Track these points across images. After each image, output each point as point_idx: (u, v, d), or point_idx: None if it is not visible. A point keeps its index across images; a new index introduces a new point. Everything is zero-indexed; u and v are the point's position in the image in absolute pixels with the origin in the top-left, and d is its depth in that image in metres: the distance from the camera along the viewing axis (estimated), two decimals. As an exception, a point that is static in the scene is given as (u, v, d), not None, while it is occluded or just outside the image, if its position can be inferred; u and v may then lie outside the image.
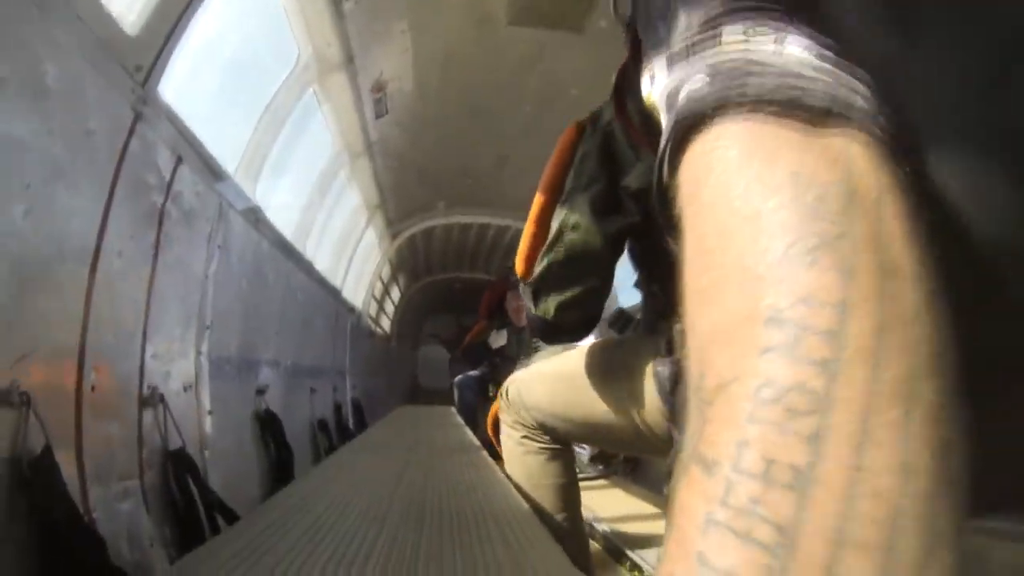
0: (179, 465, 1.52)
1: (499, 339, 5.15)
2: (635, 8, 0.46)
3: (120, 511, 1.29)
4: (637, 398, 0.89)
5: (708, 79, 0.27)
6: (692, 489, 0.20)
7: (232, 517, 1.63)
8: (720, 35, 0.28)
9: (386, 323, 6.53)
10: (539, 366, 1.24)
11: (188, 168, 1.68)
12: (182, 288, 1.70)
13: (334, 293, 3.92)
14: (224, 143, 1.98)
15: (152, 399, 1.47)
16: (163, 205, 1.57)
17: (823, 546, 0.17)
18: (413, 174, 4.45)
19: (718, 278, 0.23)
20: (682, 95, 0.28)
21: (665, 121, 0.30)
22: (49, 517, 1.06)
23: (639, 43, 0.41)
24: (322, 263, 3.52)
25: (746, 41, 0.28)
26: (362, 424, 4.11)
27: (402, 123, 3.46)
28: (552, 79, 3.00)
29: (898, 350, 0.19)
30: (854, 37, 0.28)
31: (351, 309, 4.46)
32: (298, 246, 2.95)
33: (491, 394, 5.33)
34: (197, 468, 1.60)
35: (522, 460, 1.22)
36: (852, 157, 0.23)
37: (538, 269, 0.90)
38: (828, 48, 0.27)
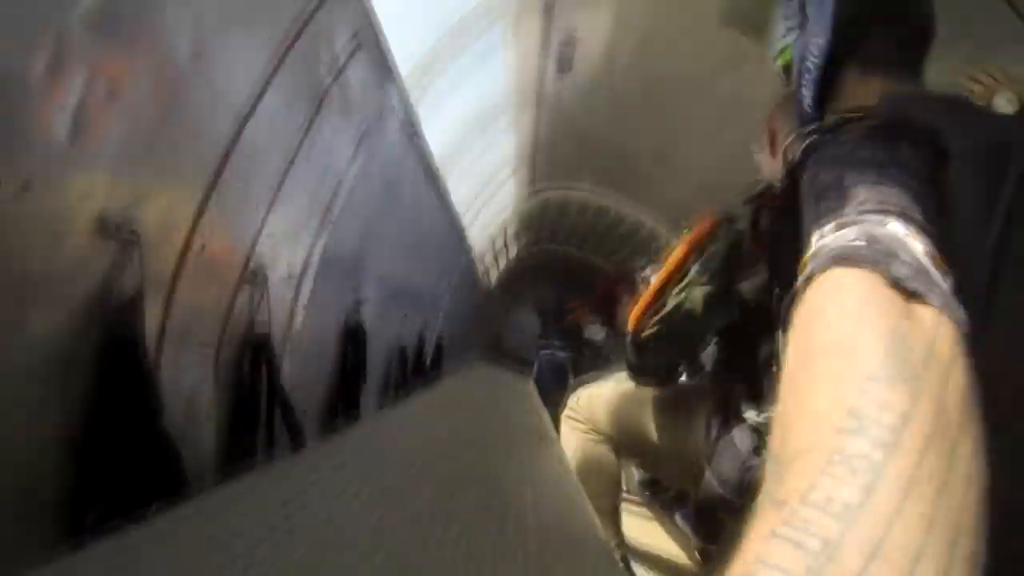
0: (258, 351, 1.47)
1: (596, 333, 4.89)
2: (805, 162, 0.55)
3: (187, 377, 1.25)
4: (687, 434, 1.09)
5: (865, 243, 0.37)
6: (762, 518, 0.26)
7: (291, 422, 1.58)
8: (888, 222, 0.39)
9: (493, 275, 6.48)
10: (611, 383, 1.42)
11: (364, 57, 1.58)
12: (319, 176, 1.63)
13: (458, 230, 3.85)
14: (401, 46, 1.87)
15: (254, 278, 1.41)
16: (329, 87, 1.48)
17: (858, 558, 0.23)
18: (572, 141, 4.21)
19: (815, 377, 0.31)
20: (841, 244, 0.38)
21: (815, 261, 0.39)
22: (119, 362, 1.02)
23: (794, 187, 0.56)
24: (457, 197, 3.43)
25: (906, 231, 0.38)
26: (438, 365, 4.09)
27: (580, 87, 3.20)
28: (743, 93, 2.60)
29: (938, 453, 0.27)
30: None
31: (468, 251, 4.40)
32: (441, 173, 2.85)
33: (570, 382, 5.15)
34: (274, 359, 1.55)
35: (578, 442, 1.43)
36: (937, 332, 0.32)
37: (648, 330, 1.08)
38: (937, 251, 0.37)
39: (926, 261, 0.36)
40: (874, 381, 0.29)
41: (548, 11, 2.42)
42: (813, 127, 0.64)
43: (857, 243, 0.37)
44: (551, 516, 1.17)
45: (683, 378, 1.43)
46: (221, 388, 1.39)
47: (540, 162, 4.49)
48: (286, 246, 1.57)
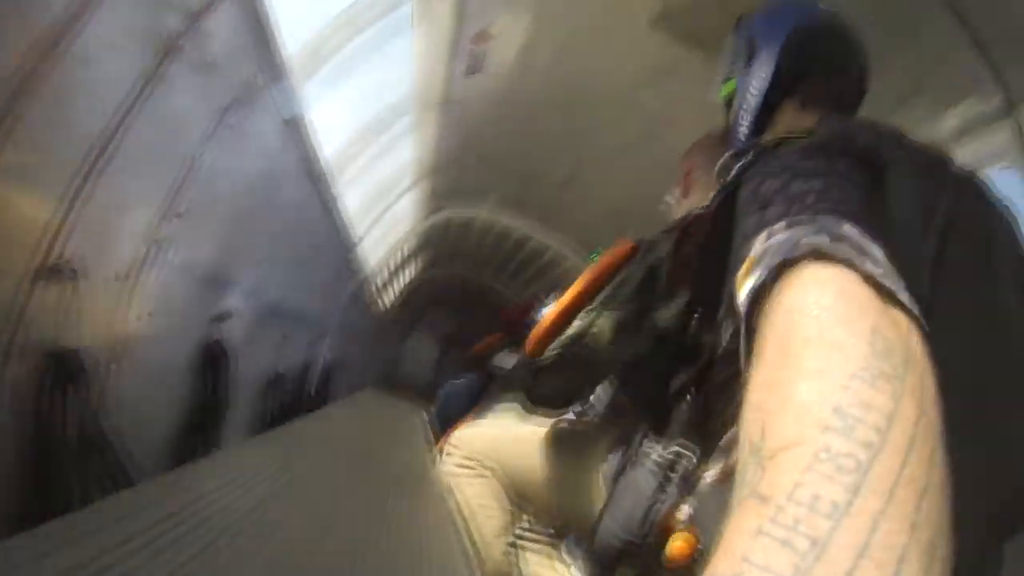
0: (59, 370, 1.09)
1: (507, 360, 4.69)
2: (743, 176, 0.57)
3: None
4: (581, 474, 1.03)
5: (830, 239, 0.37)
6: (746, 513, 0.27)
7: (108, 458, 1.19)
8: (842, 224, 0.39)
9: (388, 297, 6.11)
10: (493, 422, 1.44)
11: (231, 10, 1.29)
12: (163, 147, 1.29)
13: (347, 243, 3.51)
14: (284, 23, 1.59)
15: (55, 273, 1.04)
16: (179, 34, 1.17)
17: (846, 558, 0.24)
18: (477, 155, 4.08)
19: (798, 372, 0.31)
20: (803, 242, 0.38)
21: (768, 261, 0.38)
22: None
23: (727, 204, 0.56)
24: (347, 205, 3.11)
25: (861, 235, 0.39)
26: (325, 394, 3.66)
27: (488, 93, 3.08)
28: (664, 109, 2.59)
29: (919, 455, 0.28)
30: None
31: (359, 268, 4.05)
32: (329, 175, 2.54)
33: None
34: (86, 379, 1.16)
35: (463, 481, 1.29)
36: (910, 333, 0.33)
37: (548, 353, 1.01)
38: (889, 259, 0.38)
39: (887, 263, 0.38)
40: (858, 379, 0.30)
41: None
42: (753, 144, 0.68)
43: (821, 239, 0.38)
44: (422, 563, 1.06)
45: (580, 408, 1.27)
46: (6, 414, 1.00)
47: (443, 176, 4.30)
48: (110, 236, 1.21)
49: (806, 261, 0.37)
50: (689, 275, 0.86)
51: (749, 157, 0.65)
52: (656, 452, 0.99)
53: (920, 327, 0.34)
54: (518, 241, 5.48)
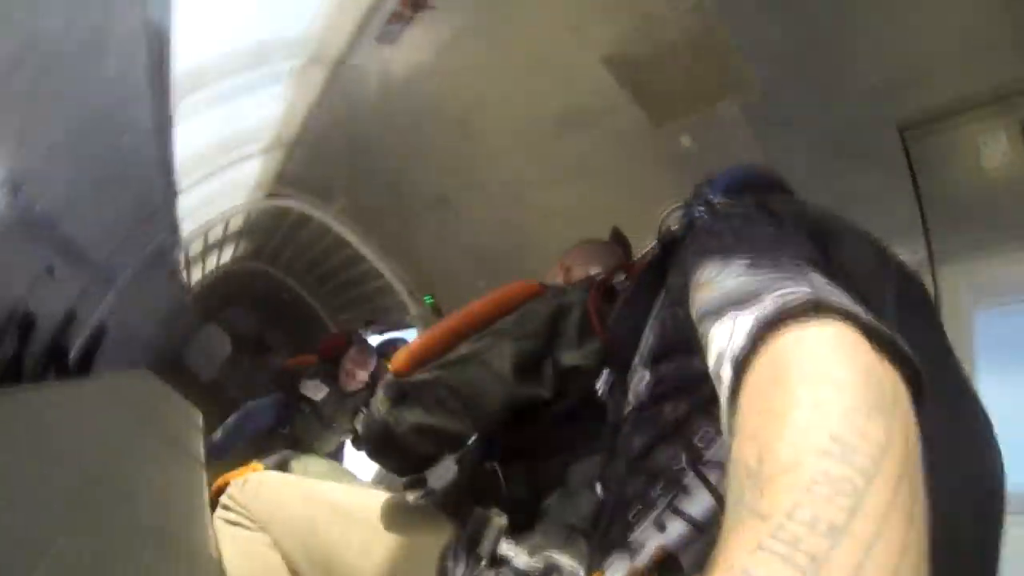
0: None
1: (316, 391, 4.22)
2: (689, 231, 0.66)
3: None
4: (410, 569, 0.82)
5: (810, 291, 0.41)
6: (745, 529, 0.30)
7: None
8: (809, 277, 0.44)
9: (195, 275, 5.23)
10: (311, 481, 1.14)
11: None
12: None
13: (167, 187, 2.92)
14: None
15: None
16: None
17: (845, 574, 0.26)
18: (347, 141, 3.76)
19: (795, 402, 0.34)
20: (780, 297, 0.41)
21: (752, 313, 0.42)
22: None
23: (662, 262, 0.69)
24: (185, 142, 2.60)
25: (829, 284, 0.44)
26: (88, 363, 2.87)
27: (390, 74, 2.82)
28: (571, 160, 2.62)
29: (908, 485, 0.30)
30: None
31: (171, 225, 3.39)
32: (175, 88, 2.09)
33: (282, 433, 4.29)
34: None
35: (235, 539, 1.02)
36: (896, 373, 0.37)
37: (420, 375, 0.85)
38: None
39: (851, 304, 0.41)
40: (854, 411, 0.32)
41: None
42: (698, 203, 0.72)
43: (800, 292, 0.41)
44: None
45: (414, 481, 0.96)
46: None
47: (298, 154, 3.87)
48: None
49: (804, 306, 0.39)
50: (601, 326, 0.83)
51: (698, 213, 0.70)
52: (516, 557, 0.80)
53: (910, 367, 0.37)
54: (351, 258, 5.03)
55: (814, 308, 0.39)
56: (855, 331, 0.38)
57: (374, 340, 5.22)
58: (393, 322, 5.02)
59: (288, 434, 4.20)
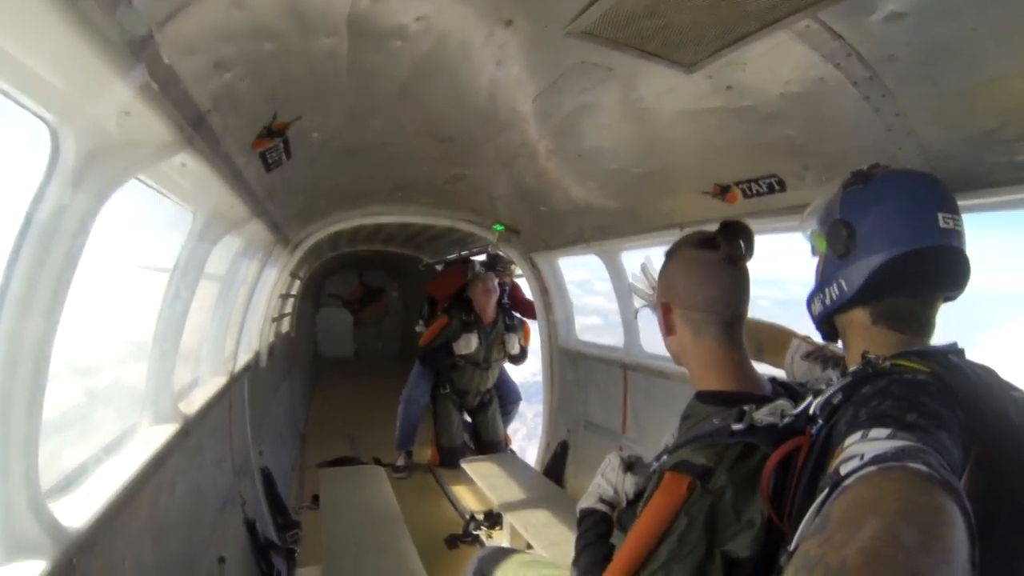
0: None
1: (468, 345, 4.38)
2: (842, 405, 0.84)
3: None
4: None
5: (894, 447, 0.62)
6: None
7: None
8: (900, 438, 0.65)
9: (285, 324, 5.43)
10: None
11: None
12: None
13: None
14: None
15: None
16: None
17: None
18: (324, 198, 3.31)
19: (870, 523, 0.50)
20: (876, 453, 0.61)
21: (855, 464, 0.62)
22: None
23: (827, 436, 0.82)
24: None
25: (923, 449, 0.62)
26: (276, 500, 3.32)
27: (309, 159, 2.35)
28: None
29: None
30: None
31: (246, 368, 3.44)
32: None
33: (444, 394, 4.70)
34: None
35: None
36: (956, 512, 0.52)
37: None
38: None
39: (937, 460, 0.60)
40: (917, 546, 0.48)
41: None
42: (852, 375, 0.87)
43: (888, 449, 0.62)
44: None
45: None
46: None
47: (291, 229, 3.49)
48: None
49: (890, 458, 0.59)
50: (752, 495, 0.88)
51: (838, 395, 0.85)
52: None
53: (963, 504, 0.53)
54: (396, 226, 4.76)
55: (898, 462, 0.60)
56: (928, 478, 0.56)
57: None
58: (481, 250, 5.05)
59: (449, 392, 4.70)
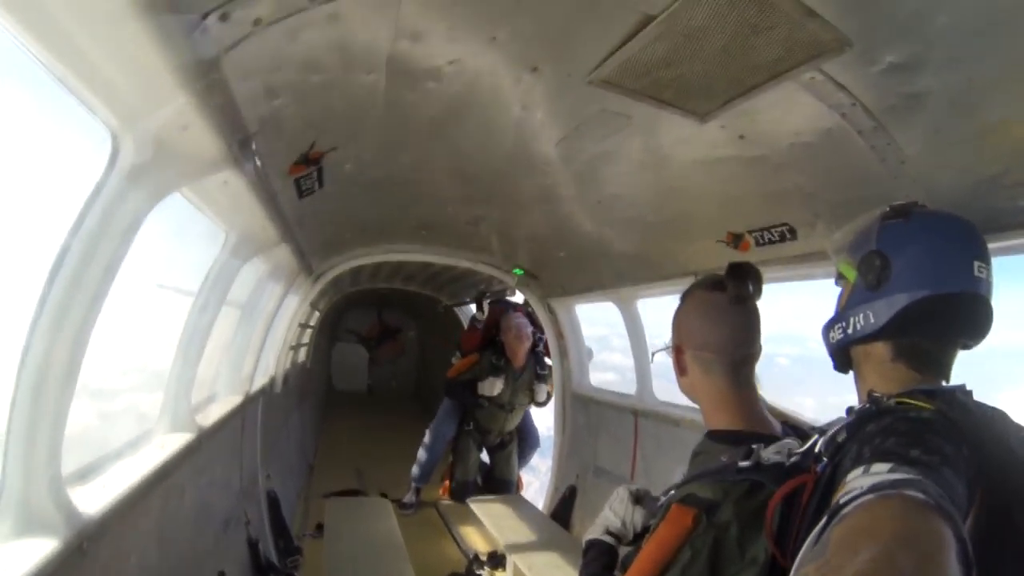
0: None
1: (493, 387, 4.38)
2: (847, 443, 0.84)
3: None
4: None
5: (893, 479, 0.64)
6: None
7: None
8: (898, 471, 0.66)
9: (301, 354, 5.52)
10: None
11: None
12: None
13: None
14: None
15: None
16: None
17: None
18: (349, 231, 3.45)
19: (867, 549, 0.52)
20: (874, 483, 0.63)
21: (855, 494, 0.63)
22: None
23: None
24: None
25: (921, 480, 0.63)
26: (280, 524, 3.28)
27: (340, 190, 2.49)
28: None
29: None
30: None
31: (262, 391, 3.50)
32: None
33: (467, 431, 4.66)
34: None
35: None
36: (951, 537, 0.54)
37: None
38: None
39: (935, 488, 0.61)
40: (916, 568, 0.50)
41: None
42: (851, 420, 0.88)
43: (888, 480, 0.64)
44: None
45: None
46: None
47: (315, 259, 3.63)
48: None
49: (887, 487, 0.62)
50: (757, 532, 0.87)
51: (843, 433, 0.86)
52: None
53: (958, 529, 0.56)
54: (418, 265, 4.88)
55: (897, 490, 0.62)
56: (925, 506, 0.58)
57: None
58: (498, 291, 5.08)
59: (473, 429, 4.63)
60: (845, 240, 1.15)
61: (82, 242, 1.16)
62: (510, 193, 2.70)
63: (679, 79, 1.54)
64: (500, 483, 4.70)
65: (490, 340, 4.58)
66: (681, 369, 1.23)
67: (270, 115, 1.40)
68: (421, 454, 4.66)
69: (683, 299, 1.28)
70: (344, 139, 1.86)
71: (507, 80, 1.65)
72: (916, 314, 0.96)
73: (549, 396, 4.64)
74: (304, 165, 1.80)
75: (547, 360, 4.69)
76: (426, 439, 4.68)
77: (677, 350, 1.24)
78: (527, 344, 4.49)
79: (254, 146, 1.43)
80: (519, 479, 4.94)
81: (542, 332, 4.65)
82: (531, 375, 4.58)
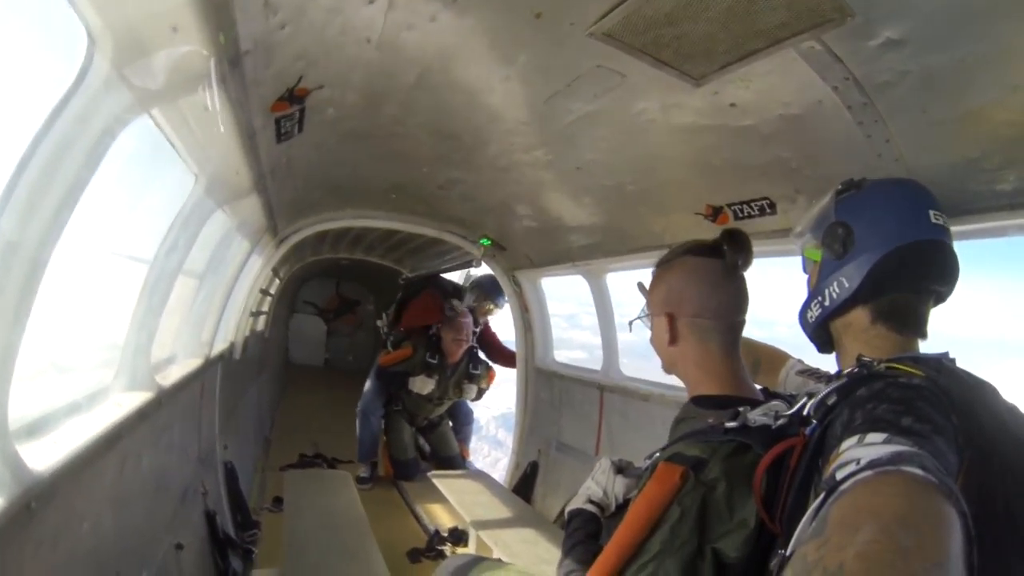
0: None
1: (423, 386, 4.42)
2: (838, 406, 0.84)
3: None
4: None
5: (890, 452, 0.63)
6: None
7: None
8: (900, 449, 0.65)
9: (260, 322, 5.31)
10: None
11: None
12: None
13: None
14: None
15: None
16: None
17: None
18: (319, 189, 3.32)
19: (868, 527, 0.51)
20: (873, 458, 0.63)
21: (851, 468, 0.63)
22: None
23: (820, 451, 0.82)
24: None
25: (919, 453, 0.63)
26: (237, 497, 3.17)
27: (318, 140, 2.38)
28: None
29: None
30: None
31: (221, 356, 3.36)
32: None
33: (396, 410, 4.66)
34: None
35: None
36: (954, 515, 0.54)
37: None
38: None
39: (932, 462, 0.61)
40: (916, 552, 0.49)
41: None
42: (842, 384, 0.89)
43: (886, 454, 0.63)
44: None
45: None
46: None
47: (281, 220, 3.47)
48: None
49: (888, 463, 0.61)
50: (769, 515, 0.86)
51: (832, 396, 0.87)
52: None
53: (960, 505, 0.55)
54: (382, 233, 4.77)
55: (900, 464, 0.61)
56: (925, 482, 0.57)
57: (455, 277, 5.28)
58: (462, 261, 5.03)
59: (401, 409, 4.65)
60: (806, 226, 1.19)
61: (42, 159, 1.01)
62: (488, 156, 2.65)
63: (680, 38, 1.53)
64: (444, 460, 4.74)
65: (427, 329, 4.54)
66: (672, 337, 1.21)
67: (265, 35, 1.31)
68: (359, 433, 4.64)
69: (670, 266, 1.27)
70: (332, 77, 1.77)
71: (508, 26, 1.60)
72: (887, 269, 1.00)
73: (480, 393, 4.68)
74: (288, 103, 1.71)
75: (481, 356, 4.73)
76: (357, 422, 4.65)
77: (669, 318, 1.22)
78: (466, 346, 4.51)
79: (244, 68, 1.33)
80: (464, 450, 5.00)
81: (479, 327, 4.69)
82: (463, 374, 4.59)
